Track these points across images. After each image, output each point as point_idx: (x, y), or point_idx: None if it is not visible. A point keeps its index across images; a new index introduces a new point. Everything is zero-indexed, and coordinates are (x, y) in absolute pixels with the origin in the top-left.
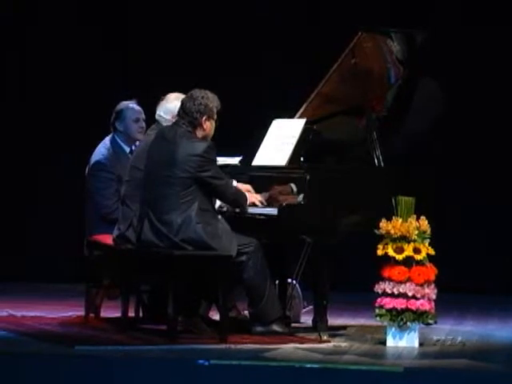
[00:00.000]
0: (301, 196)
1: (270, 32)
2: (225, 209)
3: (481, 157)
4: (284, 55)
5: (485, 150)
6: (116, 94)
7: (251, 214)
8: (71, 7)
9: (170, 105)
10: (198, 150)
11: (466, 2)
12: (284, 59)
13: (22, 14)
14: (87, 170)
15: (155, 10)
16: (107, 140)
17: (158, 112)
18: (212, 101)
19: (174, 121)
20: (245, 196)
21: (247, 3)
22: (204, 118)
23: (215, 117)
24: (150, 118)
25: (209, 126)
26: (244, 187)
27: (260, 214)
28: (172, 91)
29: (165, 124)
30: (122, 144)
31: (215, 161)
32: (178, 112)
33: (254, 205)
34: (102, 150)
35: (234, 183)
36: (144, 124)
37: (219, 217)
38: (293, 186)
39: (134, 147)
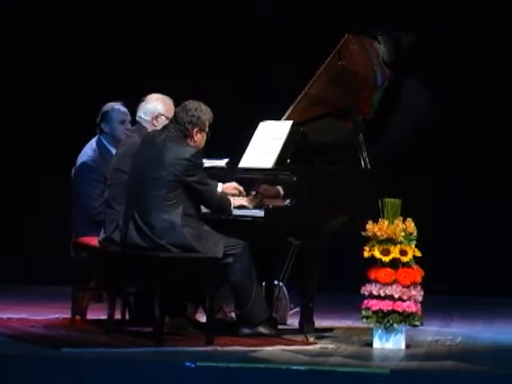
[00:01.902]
0: (288, 198)
1: (270, 32)
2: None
3: (467, 156)
4: (278, 55)
5: (472, 150)
6: (102, 95)
7: (238, 216)
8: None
9: (150, 106)
10: (187, 154)
11: (451, 2)
12: (278, 59)
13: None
14: (73, 171)
15: (152, 11)
16: (93, 142)
17: (138, 113)
18: (205, 113)
19: (154, 122)
20: (229, 200)
21: (247, 3)
22: (195, 130)
23: (207, 129)
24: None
25: (199, 138)
26: (231, 185)
27: (247, 216)
28: (164, 92)
29: (145, 125)
30: (108, 145)
31: (202, 166)
32: (170, 120)
33: (241, 206)
34: (88, 151)
35: (220, 186)
36: (130, 125)
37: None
38: (280, 188)
39: None
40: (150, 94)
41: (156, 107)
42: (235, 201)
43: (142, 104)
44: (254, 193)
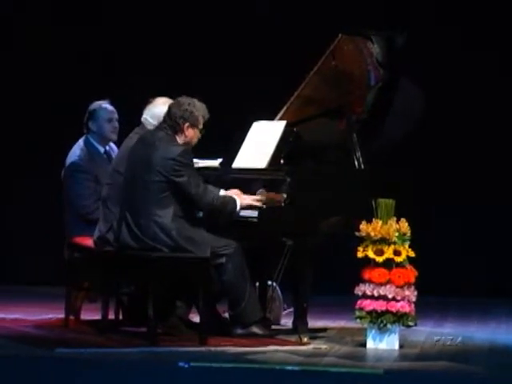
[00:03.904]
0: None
1: (270, 32)
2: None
3: (462, 156)
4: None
5: (466, 150)
6: (89, 94)
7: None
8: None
9: (157, 109)
10: (173, 154)
11: (441, 2)
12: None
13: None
14: (63, 171)
15: (148, 9)
16: (81, 141)
17: (144, 115)
18: (198, 109)
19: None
20: (233, 202)
21: (247, 3)
22: (186, 125)
23: (200, 126)
24: (132, 119)
25: (191, 134)
26: (234, 191)
27: (240, 217)
28: (156, 91)
29: (149, 127)
30: (96, 144)
31: (191, 165)
32: (164, 117)
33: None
34: (76, 151)
35: (222, 192)
36: (117, 124)
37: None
38: (284, 195)
39: (108, 147)
40: (158, 97)
41: (162, 111)
42: (244, 201)
43: (149, 106)
44: (261, 191)
